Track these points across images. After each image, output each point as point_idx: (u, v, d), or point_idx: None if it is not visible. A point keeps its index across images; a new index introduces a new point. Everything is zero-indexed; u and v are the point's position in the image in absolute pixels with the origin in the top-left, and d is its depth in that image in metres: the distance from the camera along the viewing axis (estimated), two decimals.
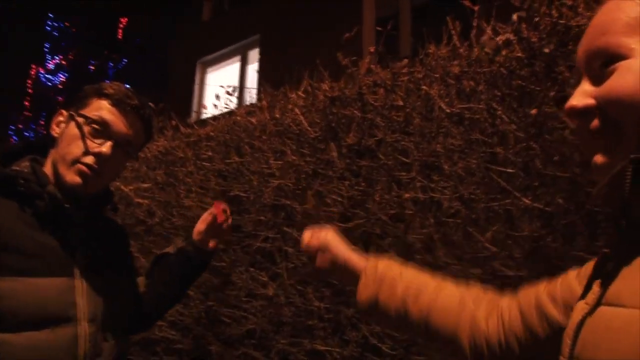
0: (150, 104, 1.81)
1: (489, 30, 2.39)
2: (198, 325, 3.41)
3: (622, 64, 0.69)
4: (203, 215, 1.95)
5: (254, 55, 11.19)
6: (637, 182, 0.63)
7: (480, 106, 2.26)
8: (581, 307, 0.78)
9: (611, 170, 0.68)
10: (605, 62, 0.72)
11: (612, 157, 0.70)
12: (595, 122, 0.72)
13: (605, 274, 0.73)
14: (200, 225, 1.94)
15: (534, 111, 2.06)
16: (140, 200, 4.07)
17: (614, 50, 0.71)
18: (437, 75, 2.40)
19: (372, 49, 2.81)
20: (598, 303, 0.72)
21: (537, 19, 2.20)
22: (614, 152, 0.70)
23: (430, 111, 2.42)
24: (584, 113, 0.73)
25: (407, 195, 2.30)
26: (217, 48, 12.12)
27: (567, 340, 0.79)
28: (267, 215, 3.12)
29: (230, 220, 1.95)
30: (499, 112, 2.21)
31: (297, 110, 3.10)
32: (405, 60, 2.67)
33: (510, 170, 2.10)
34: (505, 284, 2.17)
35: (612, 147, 0.70)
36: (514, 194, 2.10)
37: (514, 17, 2.24)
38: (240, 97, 10.42)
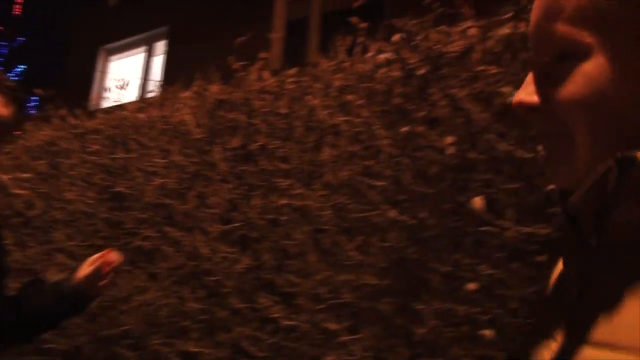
0: (38, 90, 1.75)
1: (373, 48, 2.49)
2: (72, 324, 3.32)
3: (576, 65, 0.59)
4: (91, 258, 1.88)
5: (161, 47, 10.95)
6: (620, 185, 0.54)
7: (359, 120, 2.35)
8: (547, 347, 0.65)
9: (564, 182, 0.62)
10: (556, 55, 0.61)
11: (566, 165, 0.62)
12: (546, 125, 0.64)
13: (571, 304, 0.62)
14: (86, 269, 1.86)
15: (405, 129, 2.17)
16: (19, 191, 3.90)
17: (566, 44, 0.60)
18: (321, 87, 2.47)
19: (263, 55, 2.84)
20: (575, 341, 0.59)
21: (415, 42, 2.32)
22: (567, 159, 0.62)
23: (312, 121, 2.49)
24: (533, 110, 0.65)
25: (283, 201, 2.35)
26: (122, 36, 11.74)
27: None
28: (148, 213, 3.09)
29: (112, 276, 1.88)
30: (376, 127, 2.31)
31: (186, 109, 3.09)
32: (294, 69, 2.72)
33: (381, 183, 2.19)
34: (369, 292, 2.27)
35: (565, 153, 0.62)
36: (383, 206, 2.19)
37: (395, 38, 2.35)
38: (143, 90, 10.16)
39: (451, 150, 2.11)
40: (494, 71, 2.16)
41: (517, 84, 2.14)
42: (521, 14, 2.23)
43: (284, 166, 2.52)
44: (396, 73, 2.30)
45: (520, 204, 2.06)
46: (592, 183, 0.56)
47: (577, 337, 0.58)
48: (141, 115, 3.37)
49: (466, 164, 2.13)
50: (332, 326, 2.36)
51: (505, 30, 2.19)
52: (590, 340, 0.56)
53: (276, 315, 2.49)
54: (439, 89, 2.22)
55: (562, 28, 0.61)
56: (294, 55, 3.01)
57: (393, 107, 2.29)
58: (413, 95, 2.25)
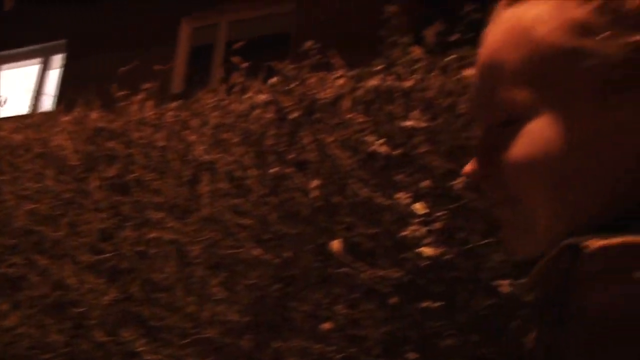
0: None
1: (252, 88, 2.56)
2: None
3: (523, 130, 0.56)
4: None
5: (58, 61, 10.57)
6: (572, 271, 0.52)
7: (233, 158, 2.41)
8: None
9: (520, 252, 0.60)
10: (502, 119, 0.59)
11: (525, 233, 0.60)
12: (500, 192, 0.61)
13: None
14: None
15: (274, 170, 2.24)
16: None
17: (509, 108, 0.57)
18: (199, 123, 2.51)
19: (147, 86, 2.85)
20: None
21: (290, 87, 2.41)
22: (526, 227, 0.59)
23: (188, 155, 2.52)
24: (484, 179, 0.62)
25: (155, 234, 2.36)
26: (16, 44, 11.21)
27: None
28: (17, 239, 2.98)
29: None
30: (248, 166, 2.37)
31: (64, 134, 3.03)
32: (175, 103, 2.75)
33: (248, 221, 2.25)
34: (232, 328, 2.31)
35: (523, 221, 0.59)
36: (249, 244, 2.25)
37: (272, 80, 2.43)
38: (36, 105, 9.76)
39: (316, 193, 2.20)
40: (361, 120, 2.29)
41: (382, 134, 2.28)
42: (390, 67, 2.38)
43: (157, 199, 2.52)
44: (270, 115, 2.38)
45: (377, 248, 2.17)
46: (542, 268, 0.54)
47: None
48: (17, 137, 3.27)
49: (330, 207, 2.23)
50: None
51: (374, 81, 2.33)
52: None
53: (141, 349, 2.47)
54: (310, 133, 2.32)
55: (504, 92, 0.58)
56: (201, 79, 3.01)
57: (265, 147, 2.36)
58: (285, 137, 2.34)
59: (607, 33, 0.52)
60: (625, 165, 0.53)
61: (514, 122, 0.57)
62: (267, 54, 2.93)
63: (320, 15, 7.37)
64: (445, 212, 2.06)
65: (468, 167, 0.63)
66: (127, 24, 10.04)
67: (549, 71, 0.55)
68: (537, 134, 0.55)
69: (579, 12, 0.54)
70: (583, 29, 0.53)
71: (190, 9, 9.42)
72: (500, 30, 0.59)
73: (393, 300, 2.13)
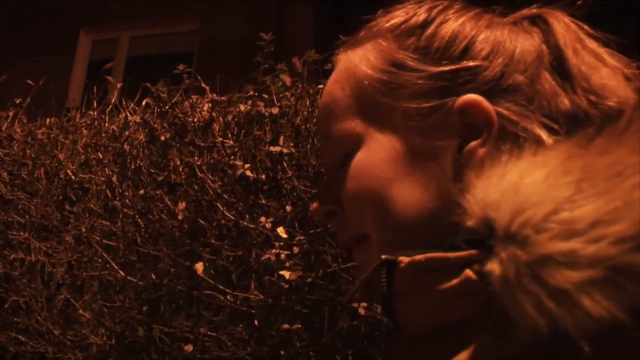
0: None
1: (126, 109, 2.55)
2: None
3: (351, 164, 0.59)
4: None
5: None
6: (390, 287, 0.54)
7: (102, 178, 2.38)
8: None
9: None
10: (338, 159, 0.62)
11: (366, 261, 0.60)
12: (346, 230, 0.63)
13: None
14: None
15: (141, 192, 2.24)
16: None
17: (341, 141, 0.61)
18: (68, 142, 2.47)
19: (17, 100, 2.77)
20: None
21: (163, 109, 2.42)
22: (367, 261, 0.59)
23: (56, 175, 2.47)
24: (329, 216, 0.64)
25: (13, 255, 2.29)
26: None
27: None
28: None
29: None
30: (117, 187, 2.35)
31: None
32: (47, 119, 2.69)
33: (114, 243, 2.23)
34: (93, 352, 2.27)
35: (366, 255, 0.61)
36: (112, 265, 2.23)
37: (144, 102, 2.43)
38: None
39: (182, 216, 2.22)
40: (230, 144, 2.33)
41: (249, 159, 2.33)
42: (260, 93, 2.45)
43: (22, 219, 2.45)
44: (142, 136, 2.38)
45: (242, 270, 2.21)
46: (362, 282, 0.56)
47: None
48: None
49: (197, 230, 2.25)
50: None
51: (243, 107, 2.38)
52: None
53: None
54: (179, 156, 2.34)
55: (336, 126, 0.61)
56: (100, 95, 2.95)
57: (135, 168, 2.36)
58: (155, 159, 2.34)
59: (415, 67, 0.59)
60: (436, 188, 0.57)
61: (347, 159, 0.61)
62: (170, 71, 2.86)
63: (223, 35, 7.36)
64: (305, 236, 2.13)
65: (313, 206, 0.65)
66: (21, 32, 9.63)
67: (370, 102, 0.60)
68: (364, 161, 0.59)
69: (395, 51, 0.60)
70: (396, 65, 0.60)
71: (90, 20, 9.17)
72: (332, 76, 0.65)
73: (256, 321, 2.18)
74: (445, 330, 0.52)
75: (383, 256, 0.54)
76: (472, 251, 0.49)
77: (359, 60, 0.62)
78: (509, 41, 0.59)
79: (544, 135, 0.55)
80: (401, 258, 0.53)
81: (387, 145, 0.59)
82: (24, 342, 2.37)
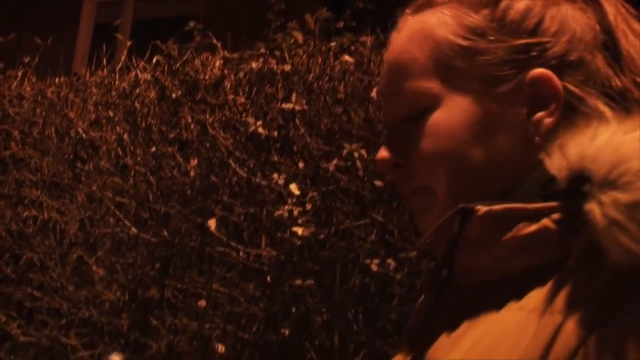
0: None
1: (136, 67, 2.53)
2: None
3: (430, 121, 0.62)
4: None
5: None
6: (462, 234, 0.58)
7: (113, 136, 2.38)
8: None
9: (434, 224, 0.63)
10: (408, 110, 0.64)
11: (427, 216, 0.65)
12: (408, 181, 0.66)
13: (415, 330, 0.68)
14: None
15: (153, 149, 2.24)
16: None
17: (416, 99, 0.63)
18: (78, 100, 2.46)
19: (26, 59, 2.75)
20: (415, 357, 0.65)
21: (174, 66, 2.40)
22: (432, 212, 0.63)
23: (67, 133, 2.47)
24: (394, 167, 0.66)
25: (27, 213, 2.30)
26: None
27: None
28: None
29: None
30: (127, 145, 2.35)
31: None
32: (58, 78, 2.68)
33: (125, 201, 2.23)
34: (109, 308, 2.30)
35: (429, 206, 0.64)
36: (126, 223, 2.23)
37: (155, 59, 2.41)
38: None
39: (194, 173, 2.22)
40: (241, 101, 2.32)
41: (260, 116, 2.32)
42: (272, 50, 2.42)
43: (34, 177, 2.46)
44: (152, 94, 2.37)
45: (254, 227, 2.22)
46: (436, 228, 0.60)
47: (417, 354, 0.64)
48: None
49: (209, 187, 2.25)
50: (72, 342, 2.34)
51: (255, 64, 2.36)
52: (427, 358, 0.62)
53: (13, 331, 2.41)
54: (191, 113, 2.33)
55: (412, 85, 0.63)
56: (108, 56, 2.91)
57: (146, 126, 2.35)
58: (166, 117, 2.33)
59: (494, 37, 0.62)
60: (508, 149, 0.61)
61: (420, 116, 0.63)
62: (175, 34, 2.83)
63: None
64: (318, 193, 2.13)
65: (379, 155, 0.67)
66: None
67: (449, 65, 0.63)
68: (442, 122, 0.62)
69: (473, 19, 0.63)
70: (476, 32, 0.63)
71: None
72: (405, 35, 0.67)
73: (269, 278, 2.19)
74: (515, 276, 0.57)
75: (460, 205, 0.58)
76: (552, 203, 0.55)
77: (436, 23, 0.65)
78: (572, 20, 0.62)
79: (607, 111, 0.59)
80: (478, 207, 0.57)
81: (465, 108, 0.62)
82: (39, 298, 2.40)
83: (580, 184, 0.52)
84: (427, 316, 0.66)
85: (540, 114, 0.61)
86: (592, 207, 0.51)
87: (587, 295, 0.51)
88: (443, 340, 0.61)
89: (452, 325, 0.60)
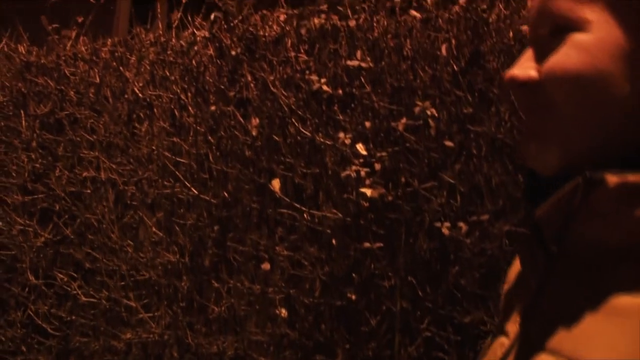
0: None
1: (192, 25, 2.46)
2: None
3: (572, 37, 0.58)
4: None
5: None
6: (584, 202, 0.55)
7: (170, 96, 2.32)
8: (500, 344, 0.65)
9: (542, 162, 0.61)
10: (553, 29, 0.60)
11: (542, 145, 0.61)
12: (532, 97, 0.62)
13: (527, 306, 0.63)
14: None
15: (213, 107, 2.17)
16: None
17: (565, 18, 0.59)
18: (134, 59, 2.40)
19: (79, 19, 2.70)
20: (530, 346, 0.60)
21: (232, 23, 2.32)
22: (545, 136, 0.60)
23: (123, 93, 2.41)
24: (525, 85, 0.63)
25: (85, 173, 2.26)
26: None
27: None
28: None
29: None
30: (185, 104, 2.29)
31: None
32: (113, 39, 2.62)
33: (184, 161, 2.18)
34: (169, 270, 2.26)
35: (545, 129, 0.60)
36: (186, 184, 2.18)
37: (212, 16, 2.33)
38: None
39: (256, 132, 2.15)
40: (304, 59, 2.23)
41: (324, 73, 2.23)
42: (335, 6, 2.32)
43: (91, 137, 2.42)
44: (210, 52, 2.29)
45: (319, 188, 2.14)
46: (559, 199, 0.57)
47: (533, 342, 0.59)
48: None
49: (270, 147, 2.18)
50: (132, 303, 2.32)
51: (318, 20, 2.26)
52: (547, 347, 0.57)
53: (74, 291, 2.40)
54: (251, 71, 2.25)
55: (564, 3, 0.60)
56: (144, 20, 2.84)
57: (205, 85, 2.28)
58: (225, 75, 2.26)
59: None
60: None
61: (562, 32, 0.59)
62: None
63: None
64: (386, 153, 2.04)
65: (510, 72, 0.63)
66: None
67: None
68: (587, 46, 0.57)
69: None
70: None
71: None
72: None
73: (334, 240, 2.12)
74: None
75: (587, 173, 0.54)
76: None
77: None
78: None
79: None
80: (608, 176, 0.52)
81: (617, 41, 0.57)
82: (98, 258, 2.37)
83: None
84: (535, 297, 0.61)
85: None
86: None
87: None
88: (566, 329, 0.55)
89: (572, 311, 0.55)
